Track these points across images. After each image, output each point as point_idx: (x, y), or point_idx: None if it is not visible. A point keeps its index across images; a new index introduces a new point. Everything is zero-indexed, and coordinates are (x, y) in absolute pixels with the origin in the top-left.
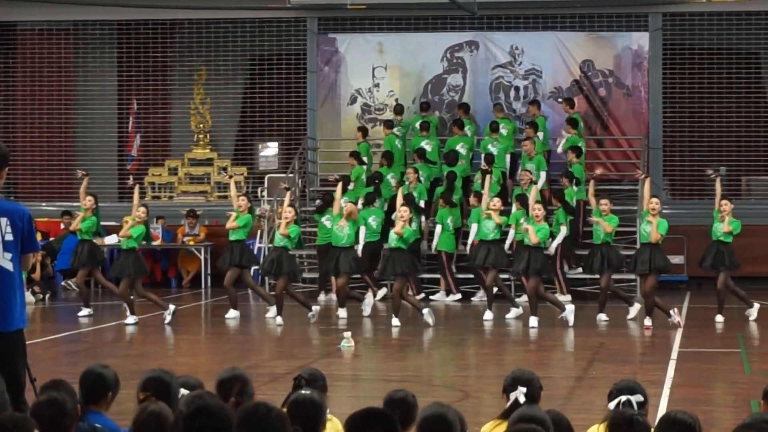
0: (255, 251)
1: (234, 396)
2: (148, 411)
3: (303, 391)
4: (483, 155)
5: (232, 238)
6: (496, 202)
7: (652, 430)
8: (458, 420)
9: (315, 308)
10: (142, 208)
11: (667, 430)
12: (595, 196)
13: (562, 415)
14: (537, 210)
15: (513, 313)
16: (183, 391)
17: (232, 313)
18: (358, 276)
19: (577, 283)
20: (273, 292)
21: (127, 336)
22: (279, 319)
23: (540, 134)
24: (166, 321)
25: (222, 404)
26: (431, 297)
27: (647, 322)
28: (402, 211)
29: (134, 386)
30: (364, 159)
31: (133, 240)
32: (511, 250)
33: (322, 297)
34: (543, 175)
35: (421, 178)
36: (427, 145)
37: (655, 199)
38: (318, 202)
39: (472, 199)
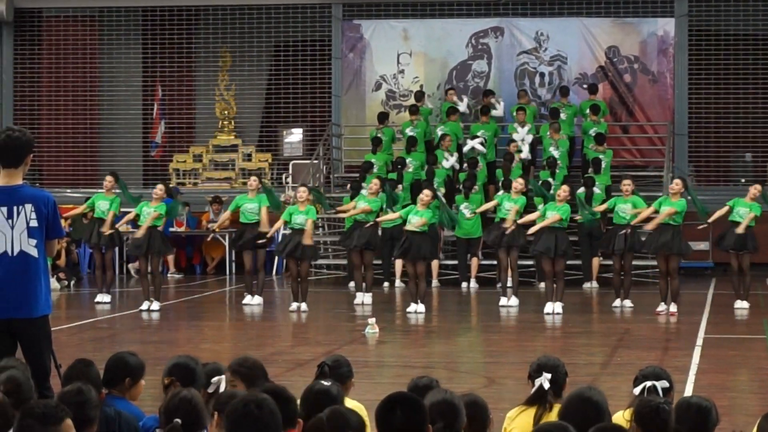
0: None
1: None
2: (180, 397)
3: (323, 382)
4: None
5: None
6: (518, 184)
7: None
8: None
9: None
10: (160, 185)
11: (684, 415)
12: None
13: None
14: (562, 192)
15: (504, 301)
16: (217, 379)
17: (257, 300)
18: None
19: (602, 269)
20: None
21: (152, 322)
22: (304, 306)
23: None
24: (143, 308)
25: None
26: (463, 284)
27: (672, 308)
28: (424, 195)
29: (157, 372)
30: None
31: (158, 218)
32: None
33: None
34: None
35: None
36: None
37: (676, 180)
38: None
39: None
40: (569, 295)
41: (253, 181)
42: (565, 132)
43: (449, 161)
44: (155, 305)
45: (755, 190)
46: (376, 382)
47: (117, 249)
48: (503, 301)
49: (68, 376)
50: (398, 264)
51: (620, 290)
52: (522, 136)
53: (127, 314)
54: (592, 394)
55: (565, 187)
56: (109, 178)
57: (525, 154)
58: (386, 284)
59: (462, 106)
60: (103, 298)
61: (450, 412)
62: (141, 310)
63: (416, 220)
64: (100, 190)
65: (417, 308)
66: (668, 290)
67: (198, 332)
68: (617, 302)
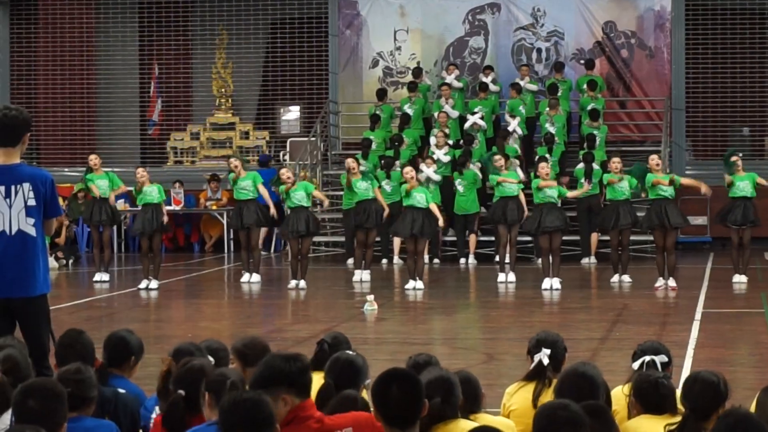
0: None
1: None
2: (189, 365)
3: (348, 352)
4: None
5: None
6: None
7: (678, 390)
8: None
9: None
10: (140, 170)
11: (692, 389)
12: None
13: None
14: (546, 168)
15: (502, 277)
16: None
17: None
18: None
19: (600, 244)
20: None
21: (150, 300)
22: (303, 283)
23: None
24: (141, 286)
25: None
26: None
27: (671, 282)
28: (406, 171)
29: (157, 351)
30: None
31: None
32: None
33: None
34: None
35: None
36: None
37: (654, 156)
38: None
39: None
40: (568, 270)
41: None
42: (562, 108)
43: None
44: (154, 284)
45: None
46: (375, 359)
47: (115, 227)
48: (501, 277)
49: (62, 344)
50: (396, 241)
51: (618, 265)
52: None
53: (126, 293)
54: (586, 369)
55: (543, 165)
56: (92, 156)
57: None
58: (384, 261)
59: (454, 82)
60: (102, 276)
61: (447, 387)
62: (140, 289)
63: (421, 197)
64: (106, 169)
65: (416, 285)
66: (665, 265)
67: (197, 310)
68: (615, 278)
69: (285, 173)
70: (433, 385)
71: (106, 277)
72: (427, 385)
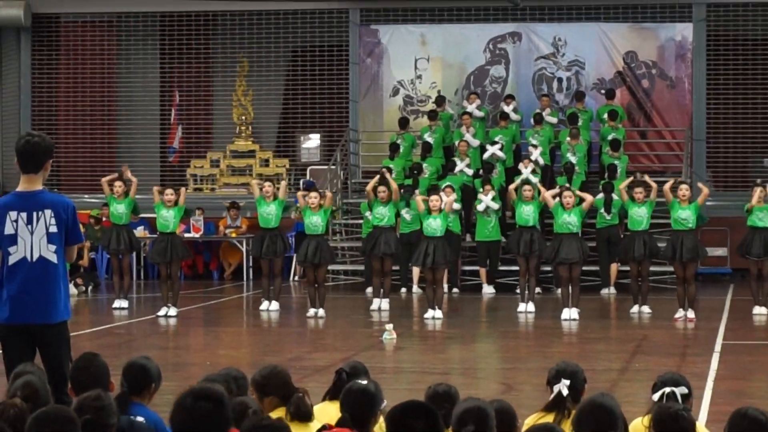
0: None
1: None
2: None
3: (360, 381)
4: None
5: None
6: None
7: (699, 421)
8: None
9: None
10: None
11: (739, 425)
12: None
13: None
14: (568, 197)
15: (522, 307)
16: None
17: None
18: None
19: (621, 275)
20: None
21: (169, 328)
22: (321, 311)
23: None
24: (160, 313)
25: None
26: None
27: (690, 314)
28: (433, 199)
29: (177, 378)
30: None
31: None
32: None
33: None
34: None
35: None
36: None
37: (684, 185)
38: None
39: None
40: (587, 301)
41: (268, 186)
42: (583, 138)
43: (459, 166)
44: (173, 311)
45: (761, 192)
46: (394, 388)
47: (134, 254)
48: (521, 307)
49: (77, 367)
50: (415, 270)
51: (638, 296)
52: (536, 142)
53: (145, 320)
54: (604, 400)
55: (568, 193)
56: (118, 183)
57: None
58: (404, 290)
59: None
60: (121, 303)
61: (481, 417)
62: (158, 316)
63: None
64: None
65: (434, 314)
66: (686, 296)
67: (215, 338)
68: (635, 308)
69: (314, 199)
70: (468, 414)
71: (125, 304)
72: (461, 415)
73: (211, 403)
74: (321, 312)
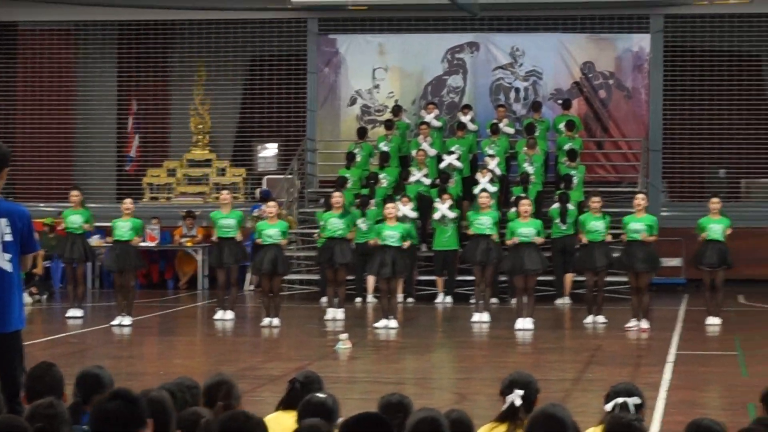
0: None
1: (221, 400)
2: (149, 397)
3: (319, 395)
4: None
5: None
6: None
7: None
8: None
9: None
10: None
11: None
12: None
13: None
14: (526, 206)
15: (477, 317)
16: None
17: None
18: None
19: (575, 285)
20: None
21: (123, 337)
22: (276, 321)
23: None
24: (114, 322)
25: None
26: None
27: (644, 324)
28: (389, 207)
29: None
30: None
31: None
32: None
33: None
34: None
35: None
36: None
37: (640, 195)
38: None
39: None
40: (541, 311)
41: (226, 194)
42: (540, 148)
43: (415, 176)
44: (127, 320)
45: (717, 204)
46: (347, 398)
47: (90, 264)
48: (476, 317)
49: (32, 376)
50: (370, 279)
51: (593, 306)
52: (492, 152)
53: (100, 329)
54: (556, 410)
55: (524, 201)
56: (74, 192)
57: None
58: (358, 299)
59: (433, 121)
60: (75, 312)
61: (435, 427)
62: (113, 325)
63: (393, 234)
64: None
65: (388, 323)
66: (639, 306)
67: (170, 347)
68: (590, 318)
69: (272, 208)
70: (422, 424)
71: (79, 313)
72: (416, 425)
73: (123, 402)
74: (276, 321)
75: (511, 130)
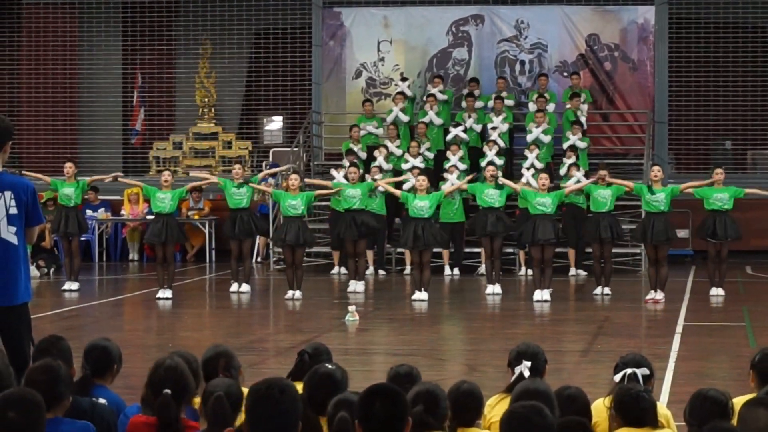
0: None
1: (221, 372)
2: (165, 366)
3: (328, 365)
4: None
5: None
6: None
7: (659, 402)
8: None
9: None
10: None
11: (699, 407)
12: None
13: (580, 391)
14: (544, 179)
15: (490, 288)
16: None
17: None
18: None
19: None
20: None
21: (135, 310)
22: (299, 293)
23: (551, 106)
24: (159, 296)
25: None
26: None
27: (658, 296)
28: (421, 180)
29: (140, 360)
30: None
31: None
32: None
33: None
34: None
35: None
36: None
37: (656, 167)
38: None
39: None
40: (555, 282)
41: (238, 168)
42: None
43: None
44: (168, 293)
45: (720, 175)
46: (357, 369)
47: (96, 237)
48: (489, 288)
49: (40, 349)
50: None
51: (601, 278)
52: (497, 124)
53: (107, 302)
54: (537, 385)
55: (543, 175)
56: (69, 164)
57: (500, 142)
58: (378, 271)
59: (439, 95)
60: (71, 285)
61: (431, 399)
62: (158, 298)
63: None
64: (82, 178)
65: (420, 296)
66: (657, 278)
67: (178, 319)
68: (598, 290)
69: (294, 180)
70: (419, 397)
71: (75, 286)
72: (413, 397)
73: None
74: (298, 294)
75: (511, 102)
